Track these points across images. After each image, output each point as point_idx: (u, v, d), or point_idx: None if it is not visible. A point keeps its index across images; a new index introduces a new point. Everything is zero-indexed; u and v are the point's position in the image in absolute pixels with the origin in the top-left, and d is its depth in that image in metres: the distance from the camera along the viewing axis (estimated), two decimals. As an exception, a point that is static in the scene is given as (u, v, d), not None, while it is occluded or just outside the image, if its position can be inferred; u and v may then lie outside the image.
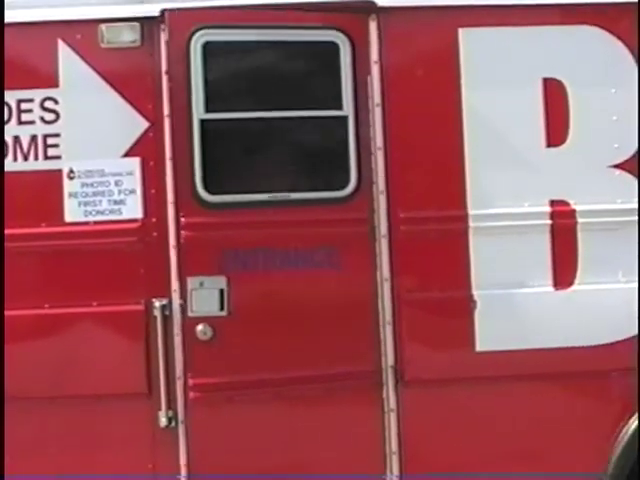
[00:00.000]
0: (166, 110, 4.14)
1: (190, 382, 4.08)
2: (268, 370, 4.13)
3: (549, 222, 4.22)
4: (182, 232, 4.10)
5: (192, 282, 4.08)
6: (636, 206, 4.18)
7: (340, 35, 4.17)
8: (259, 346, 4.15)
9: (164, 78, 4.14)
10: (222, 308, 4.09)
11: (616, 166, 4.25)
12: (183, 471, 4.15)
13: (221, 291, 4.09)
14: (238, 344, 4.12)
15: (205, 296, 4.08)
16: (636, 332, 4.14)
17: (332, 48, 4.16)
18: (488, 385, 4.17)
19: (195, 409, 4.10)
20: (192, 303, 4.07)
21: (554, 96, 4.23)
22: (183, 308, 4.08)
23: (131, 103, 4.17)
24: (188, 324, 4.08)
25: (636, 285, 4.14)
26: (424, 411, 4.19)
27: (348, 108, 4.16)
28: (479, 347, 4.17)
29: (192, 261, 4.10)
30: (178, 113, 4.09)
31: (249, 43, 4.17)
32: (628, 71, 4.25)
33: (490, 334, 4.17)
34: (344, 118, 4.16)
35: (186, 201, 4.11)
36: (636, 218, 4.16)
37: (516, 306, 4.18)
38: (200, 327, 4.06)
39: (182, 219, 4.10)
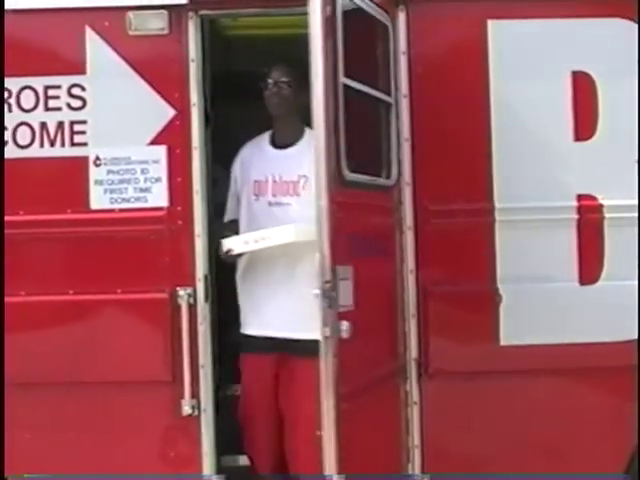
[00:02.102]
0: (193, 98, 4.14)
1: None
2: None
3: (576, 217, 4.20)
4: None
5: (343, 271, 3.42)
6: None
7: (389, 19, 4.06)
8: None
9: (191, 66, 4.14)
10: None
11: (645, 161, 4.23)
12: (205, 460, 4.17)
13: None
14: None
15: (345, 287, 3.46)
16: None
17: (386, 30, 4.05)
18: (511, 379, 4.15)
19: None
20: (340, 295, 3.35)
21: (583, 89, 4.20)
22: (331, 299, 3.31)
23: (158, 91, 4.17)
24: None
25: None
26: (447, 404, 4.17)
27: (392, 95, 4.07)
28: (503, 341, 4.15)
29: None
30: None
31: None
32: (658, 65, 4.22)
33: (515, 328, 4.15)
34: (390, 105, 4.06)
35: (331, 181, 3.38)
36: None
37: (541, 301, 4.16)
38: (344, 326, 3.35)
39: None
